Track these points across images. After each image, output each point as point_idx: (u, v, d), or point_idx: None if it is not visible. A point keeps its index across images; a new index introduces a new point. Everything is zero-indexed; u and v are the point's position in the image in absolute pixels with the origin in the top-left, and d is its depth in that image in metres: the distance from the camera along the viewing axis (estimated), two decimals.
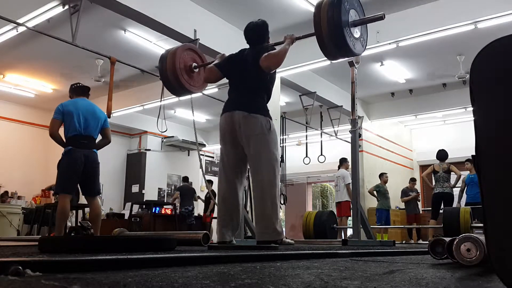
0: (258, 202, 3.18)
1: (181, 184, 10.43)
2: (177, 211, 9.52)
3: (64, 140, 4.28)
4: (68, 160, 4.19)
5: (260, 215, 3.16)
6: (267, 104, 3.38)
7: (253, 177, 3.27)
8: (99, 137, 4.51)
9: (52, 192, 8.89)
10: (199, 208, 12.06)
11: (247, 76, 3.31)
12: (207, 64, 3.88)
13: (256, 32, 3.50)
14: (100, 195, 4.80)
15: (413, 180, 9.63)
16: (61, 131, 4.34)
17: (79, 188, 4.52)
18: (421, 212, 9.69)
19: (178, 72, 3.75)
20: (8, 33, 6.34)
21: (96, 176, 4.36)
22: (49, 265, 1.18)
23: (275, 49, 3.33)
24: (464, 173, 8.18)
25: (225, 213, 3.36)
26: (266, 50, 3.26)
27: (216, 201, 3.53)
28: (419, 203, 9.65)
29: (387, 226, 9.07)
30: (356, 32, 3.09)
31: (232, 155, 3.37)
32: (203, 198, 10.68)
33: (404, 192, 9.37)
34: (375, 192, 9.28)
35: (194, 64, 3.91)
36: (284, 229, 3.33)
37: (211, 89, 8.56)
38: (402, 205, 10.66)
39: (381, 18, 3.14)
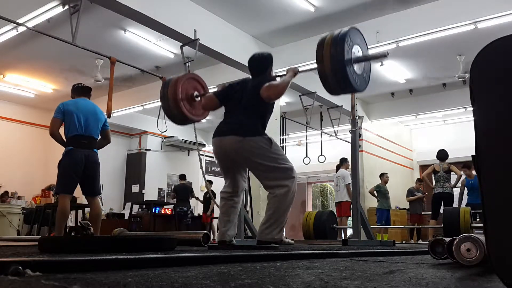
0: (272, 206, 3.15)
1: (178, 183, 10.38)
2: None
3: (64, 139, 4.27)
4: (68, 160, 4.19)
5: (270, 216, 3.15)
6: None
7: (268, 190, 3.21)
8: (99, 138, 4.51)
9: (52, 192, 8.89)
10: (198, 208, 12.06)
11: (244, 103, 3.25)
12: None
13: (260, 63, 3.47)
14: (100, 195, 4.80)
15: (419, 180, 9.63)
16: (61, 131, 4.33)
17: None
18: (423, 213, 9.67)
19: (179, 102, 3.71)
20: (8, 33, 6.35)
21: (96, 176, 4.36)
22: (49, 265, 1.18)
23: (276, 80, 3.29)
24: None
25: (225, 213, 3.39)
26: (267, 81, 3.21)
27: (217, 201, 3.54)
28: (423, 204, 9.61)
29: (387, 226, 9.07)
30: (359, 68, 3.03)
31: (229, 168, 3.39)
32: (203, 198, 10.64)
33: (410, 192, 9.37)
34: (375, 193, 9.27)
35: (196, 93, 3.88)
36: (284, 229, 3.33)
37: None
38: (402, 205, 10.66)
39: (384, 56, 3.11)
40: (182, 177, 9.98)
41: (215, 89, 3.67)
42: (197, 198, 10.52)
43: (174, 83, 3.76)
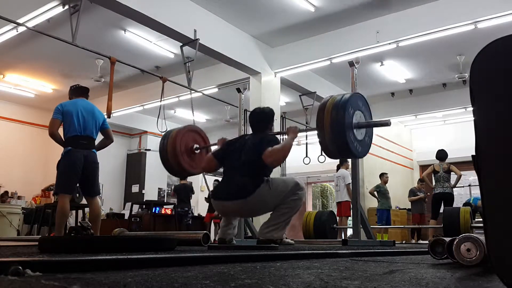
0: (278, 209, 3.17)
1: (178, 183, 10.36)
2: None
3: (64, 140, 4.27)
4: (67, 161, 4.19)
5: (273, 217, 3.18)
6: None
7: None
8: (99, 138, 4.51)
9: (51, 192, 8.89)
10: (199, 208, 12.04)
11: (243, 161, 3.18)
12: (210, 146, 3.82)
13: (260, 119, 3.44)
14: (100, 195, 4.81)
15: (421, 181, 9.64)
16: (60, 131, 4.33)
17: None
18: (426, 213, 9.68)
19: (178, 155, 3.68)
20: (8, 33, 6.34)
21: (95, 176, 4.36)
22: (49, 265, 1.18)
23: (277, 139, 3.26)
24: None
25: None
26: (269, 140, 3.18)
27: None
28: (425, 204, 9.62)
29: (388, 226, 9.07)
30: (361, 134, 2.96)
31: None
32: (208, 197, 10.61)
33: (412, 192, 9.38)
34: (375, 193, 9.27)
35: (196, 145, 3.85)
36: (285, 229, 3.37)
37: (211, 89, 8.57)
38: (402, 205, 10.65)
39: (386, 124, 3.04)
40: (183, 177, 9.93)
41: (215, 148, 3.63)
42: (205, 199, 10.50)
43: (173, 136, 3.72)
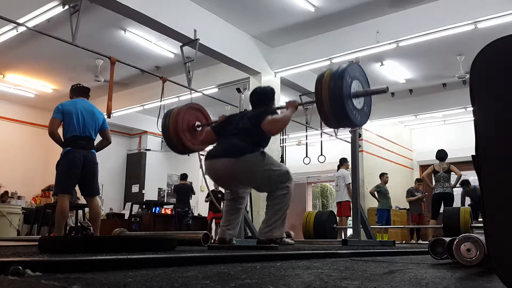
0: (272, 207, 3.18)
1: (178, 183, 10.34)
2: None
3: (63, 140, 4.27)
4: (67, 161, 4.19)
5: (270, 216, 3.19)
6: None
7: (268, 197, 3.23)
8: (98, 138, 4.51)
9: (51, 192, 8.89)
10: (198, 208, 12.03)
11: (240, 129, 3.21)
12: (211, 123, 3.83)
13: (262, 99, 3.45)
14: (100, 195, 4.81)
15: (419, 180, 9.63)
16: (60, 131, 4.33)
17: (78, 189, 4.52)
18: (424, 213, 9.67)
19: (180, 133, 3.69)
20: (8, 33, 6.34)
21: (95, 177, 4.36)
22: (49, 265, 1.19)
23: (277, 113, 3.27)
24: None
25: (228, 212, 3.44)
26: (268, 111, 3.19)
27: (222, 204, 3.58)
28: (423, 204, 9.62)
29: (388, 226, 9.07)
30: (359, 103, 2.97)
31: (225, 185, 3.47)
32: (204, 198, 10.59)
33: (410, 192, 9.38)
34: (375, 193, 9.27)
35: (198, 123, 3.85)
36: (285, 227, 3.37)
37: (211, 89, 8.57)
38: (402, 205, 10.66)
39: (384, 91, 3.05)
40: (183, 177, 9.89)
41: (215, 121, 3.65)
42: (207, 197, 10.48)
43: (175, 114, 3.73)
